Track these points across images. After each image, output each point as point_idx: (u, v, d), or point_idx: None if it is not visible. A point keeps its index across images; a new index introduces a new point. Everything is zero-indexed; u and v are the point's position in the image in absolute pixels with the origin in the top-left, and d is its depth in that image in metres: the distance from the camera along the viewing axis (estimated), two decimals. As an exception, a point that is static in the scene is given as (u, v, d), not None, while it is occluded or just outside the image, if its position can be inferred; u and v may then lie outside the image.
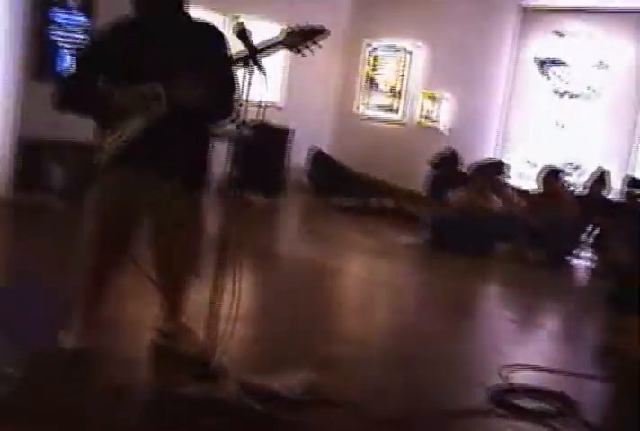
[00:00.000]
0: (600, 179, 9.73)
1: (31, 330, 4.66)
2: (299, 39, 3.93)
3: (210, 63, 4.12)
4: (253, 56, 3.84)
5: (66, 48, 9.68)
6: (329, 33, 3.98)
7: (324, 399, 4.02)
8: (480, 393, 4.33)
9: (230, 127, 4.06)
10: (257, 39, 3.93)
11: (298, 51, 3.93)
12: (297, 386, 4.06)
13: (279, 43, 3.93)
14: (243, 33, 3.87)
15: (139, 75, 4.08)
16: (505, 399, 4.30)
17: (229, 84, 4.17)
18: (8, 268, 6.28)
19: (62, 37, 9.78)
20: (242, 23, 3.96)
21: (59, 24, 9.80)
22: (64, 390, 3.87)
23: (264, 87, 3.73)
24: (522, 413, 4.17)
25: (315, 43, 4.00)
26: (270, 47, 3.92)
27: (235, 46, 4.04)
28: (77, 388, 3.93)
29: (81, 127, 4.36)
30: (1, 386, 3.76)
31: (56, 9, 9.73)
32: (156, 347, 4.53)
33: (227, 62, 4.08)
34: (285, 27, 4.01)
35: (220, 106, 4.20)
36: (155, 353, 4.51)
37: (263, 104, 3.79)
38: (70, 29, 9.80)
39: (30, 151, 9.16)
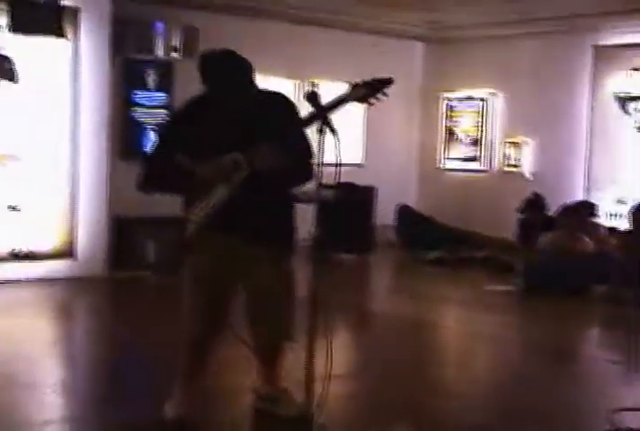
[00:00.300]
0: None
1: (134, 402, 4.77)
2: (365, 90, 3.98)
3: (284, 129, 4.22)
4: (323, 117, 3.91)
5: (149, 127, 9.99)
6: (393, 82, 4.02)
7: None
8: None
9: (313, 189, 4.09)
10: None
11: (364, 102, 3.99)
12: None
13: (345, 97, 3.99)
14: (313, 97, 3.96)
15: (218, 148, 4.20)
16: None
17: (306, 148, 4.28)
18: (111, 342, 6.44)
19: (145, 116, 10.10)
20: (312, 89, 4.06)
21: (141, 104, 10.13)
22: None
23: (338, 147, 3.78)
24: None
25: (382, 93, 4.03)
26: (337, 103, 3.98)
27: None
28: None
29: (170, 203, 4.49)
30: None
31: (136, 90, 10.08)
32: (256, 411, 4.57)
33: (300, 127, 4.18)
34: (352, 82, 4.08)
35: (300, 170, 4.29)
36: (255, 417, 4.55)
37: (341, 164, 3.82)
38: (152, 107, 10.13)
39: (122, 228, 9.44)
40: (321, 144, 3.92)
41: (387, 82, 4.01)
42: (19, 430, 4.26)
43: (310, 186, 4.06)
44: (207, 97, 4.35)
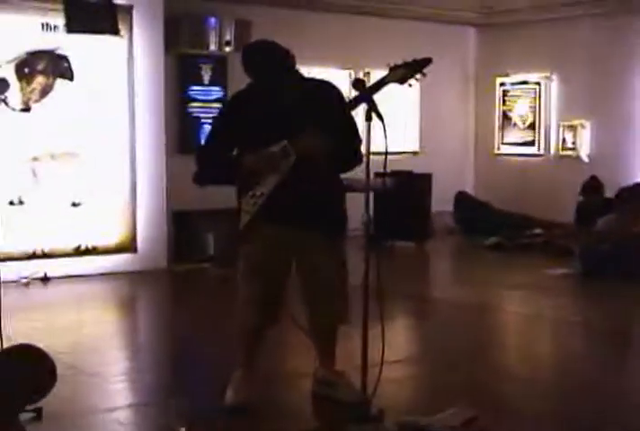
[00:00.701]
0: None
1: (197, 389, 4.89)
2: (404, 71, 4.01)
3: (331, 116, 4.28)
4: (367, 100, 3.95)
5: (205, 121, 10.10)
6: (432, 62, 4.04)
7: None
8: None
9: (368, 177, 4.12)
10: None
11: (402, 82, 4.02)
12: (455, 421, 4.10)
13: (385, 79, 4.03)
14: (359, 84, 4.02)
15: (268, 137, 4.28)
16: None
17: (353, 134, 4.33)
18: (174, 333, 6.57)
19: (200, 110, 10.23)
20: (358, 77, 4.11)
21: (197, 99, 10.26)
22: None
23: (385, 132, 3.81)
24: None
25: (421, 73, 4.06)
26: (377, 85, 4.03)
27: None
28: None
29: (229, 195, 4.58)
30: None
31: (192, 85, 10.21)
32: (315, 396, 4.65)
33: (346, 112, 4.24)
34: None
35: (348, 155, 4.35)
36: (314, 401, 4.63)
37: (387, 152, 3.85)
38: (207, 102, 10.24)
39: (182, 221, 9.58)
40: (369, 130, 3.97)
41: (426, 62, 4.04)
42: (84, 417, 4.39)
43: (363, 174, 4.08)
44: (253, 88, 4.41)
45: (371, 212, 4.21)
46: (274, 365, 5.29)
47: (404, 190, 10.63)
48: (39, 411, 4.27)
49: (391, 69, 4.04)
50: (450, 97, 12.81)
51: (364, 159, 4.09)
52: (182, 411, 4.07)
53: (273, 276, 4.46)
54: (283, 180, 4.30)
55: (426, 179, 11.20)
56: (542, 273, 9.00)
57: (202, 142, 4.70)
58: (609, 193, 9.98)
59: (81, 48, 8.72)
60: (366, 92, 3.97)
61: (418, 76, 4.06)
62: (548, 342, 6.63)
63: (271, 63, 4.27)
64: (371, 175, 4.11)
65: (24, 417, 4.13)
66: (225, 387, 4.53)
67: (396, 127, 11.47)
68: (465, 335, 6.55)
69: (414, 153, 12.31)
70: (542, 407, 4.62)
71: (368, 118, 3.93)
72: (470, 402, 4.37)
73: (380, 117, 3.90)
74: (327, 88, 4.48)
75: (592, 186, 10.69)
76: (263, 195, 4.34)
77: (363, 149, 4.13)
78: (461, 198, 12.64)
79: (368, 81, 11.35)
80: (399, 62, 4.06)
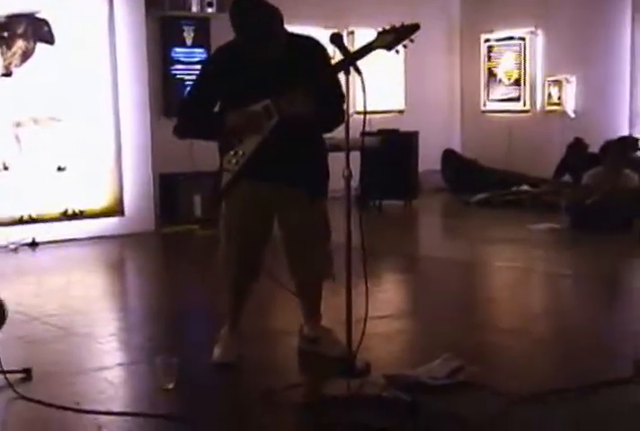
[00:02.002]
0: None
1: (185, 348, 4.93)
2: (392, 36, 3.98)
3: (316, 74, 4.26)
4: (349, 60, 3.95)
5: (189, 83, 10.05)
6: (420, 28, 4.01)
7: (465, 383, 4.10)
8: (628, 364, 4.31)
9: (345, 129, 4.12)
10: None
11: (390, 49, 3.99)
12: (441, 372, 4.15)
13: (372, 44, 4.01)
14: (337, 39, 3.99)
15: (251, 95, 4.27)
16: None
17: (337, 92, 4.31)
18: (162, 294, 6.61)
19: (184, 72, 10.17)
20: (336, 31, 4.09)
21: (179, 61, 10.20)
22: (221, 397, 4.11)
23: (363, 90, 3.80)
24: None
25: (409, 39, 4.02)
26: (363, 50, 4.01)
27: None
28: (233, 395, 4.17)
29: (214, 157, 4.57)
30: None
31: (174, 47, 10.15)
32: (301, 352, 4.69)
33: (331, 71, 4.23)
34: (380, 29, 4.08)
35: (331, 114, 4.33)
36: (300, 357, 4.68)
37: (366, 112, 3.83)
38: (190, 64, 10.19)
39: (168, 184, 9.59)
40: (348, 86, 3.95)
41: (414, 28, 3.99)
42: (74, 377, 4.42)
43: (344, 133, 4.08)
44: (237, 45, 4.38)
45: (358, 171, 4.20)
46: (261, 322, 5.34)
47: (391, 149, 10.63)
48: (28, 372, 4.31)
49: (379, 34, 3.99)
50: (435, 54, 12.76)
51: (345, 114, 4.08)
52: (170, 369, 4.11)
53: (254, 233, 4.48)
54: (265, 139, 4.30)
55: (413, 137, 11.19)
56: (530, 228, 9.05)
57: (185, 95, 4.70)
58: (595, 148, 10.01)
59: (61, 12, 8.64)
60: (348, 53, 3.95)
61: (405, 43, 4.02)
62: (536, 295, 6.68)
63: (262, 20, 4.22)
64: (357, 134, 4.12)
65: (14, 377, 4.17)
66: (212, 345, 4.58)
67: (382, 85, 11.46)
68: (453, 290, 6.61)
69: (400, 111, 12.29)
70: (529, 359, 4.68)
71: (347, 72, 3.92)
72: (457, 354, 4.40)
73: (359, 73, 3.89)
74: (313, 45, 4.44)
75: (577, 147, 10.75)
76: (245, 154, 4.34)
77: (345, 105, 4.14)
78: (448, 156, 12.66)
79: (352, 41, 11.38)
80: (387, 27, 4.02)
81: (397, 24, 4.00)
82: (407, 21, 4.04)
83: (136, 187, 9.14)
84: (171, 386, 4.11)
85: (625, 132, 10.89)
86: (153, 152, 9.24)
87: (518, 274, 7.15)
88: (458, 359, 4.32)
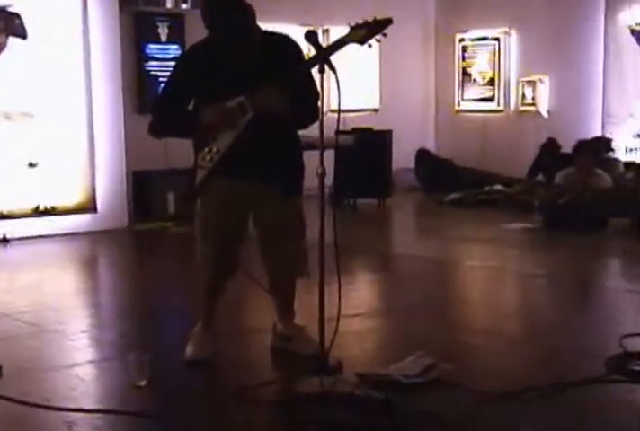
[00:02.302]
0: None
1: (157, 345, 4.91)
2: (364, 31, 3.98)
3: (290, 70, 4.25)
4: (324, 59, 3.95)
5: (163, 80, 10.01)
6: (392, 22, 4.01)
7: (438, 380, 4.11)
8: (600, 363, 4.34)
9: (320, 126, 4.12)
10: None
11: (363, 43, 3.99)
12: (414, 369, 4.15)
13: (344, 39, 4.00)
14: (311, 37, 3.99)
15: (225, 92, 4.26)
16: (624, 365, 4.30)
17: (311, 89, 4.30)
18: (135, 291, 6.57)
19: (158, 69, 10.13)
20: (310, 29, 4.09)
21: (154, 57, 10.16)
22: (194, 394, 4.10)
23: (337, 87, 3.81)
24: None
25: (382, 34, 4.02)
26: (336, 44, 4.00)
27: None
28: (206, 392, 4.16)
29: (188, 154, 4.55)
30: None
31: (148, 43, 10.11)
32: (274, 350, 4.69)
33: (305, 66, 4.22)
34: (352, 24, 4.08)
35: (305, 111, 4.32)
36: (273, 355, 4.67)
37: (340, 110, 3.84)
38: (165, 60, 10.15)
39: (142, 181, 9.55)
40: (322, 85, 3.96)
41: (387, 22, 4.00)
42: (45, 373, 4.40)
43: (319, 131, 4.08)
44: (211, 42, 4.36)
45: (332, 169, 4.21)
46: (234, 320, 5.33)
47: (365, 148, 10.63)
48: (-1, 368, 4.29)
49: (352, 29, 3.99)
50: (410, 54, 12.79)
51: (320, 111, 4.09)
52: (142, 366, 4.09)
53: (230, 231, 4.46)
54: (240, 135, 4.28)
55: (387, 136, 11.19)
56: (503, 227, 9.09)
57: (159, 92, 4.68)
58: (568, 148, 10.07)
59: (34, 6, 8.57)
60: (322, 50, 3.95)
61: (378, 37, 4.02)
62: (509, 295, 6.71)
63: (230, 17, 4.20)
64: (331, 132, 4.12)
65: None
66: (185, 342, 4.56)
67: (356, 84, 11.45)
68: (426, 289, 6.61)
69: (375, 110, 12.31)
70: (502, 357, 4.69)
71: (321, 70, 3.93)
72: (430, 353, 4.41)
73: (333, 70, 3.90)
74: (286, 42, 4.43)
75: (550, 147, 10.83)
76: (220, 151, 4.32)
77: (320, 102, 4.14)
78: (422, 155, 12.70)
79: (327, 39, 11.37)
80: (360, 21, 4.02)
81: (370, 19, 4.01)
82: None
83: (109, 183, 9.09)
84: (143, 383, 4.09)
85: (597, 132, 10.96)
86: (126, 149, 9.19)
87: (491, 273, 7.17)
88: (431, 357, 4.33)
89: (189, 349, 4.52)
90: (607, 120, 11.16)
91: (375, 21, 3.96)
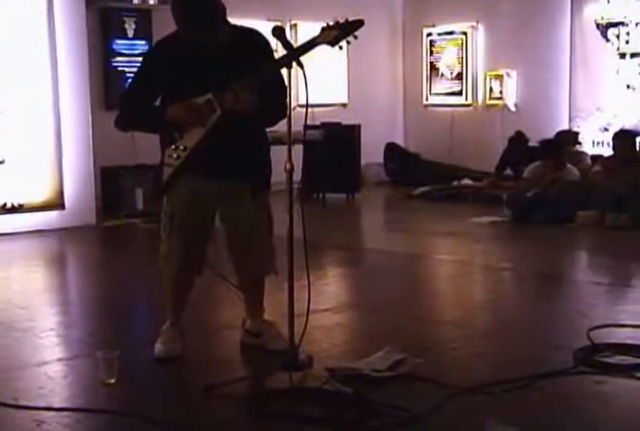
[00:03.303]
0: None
1: (126, 342, 4.89)
2: (335, 32, 3.99)
3: (259, 67, 4.23)
4: (293, 59, 3.95)
5: (130, 76, 9.96)
6: (364, 24, 4.02)
7: (407, 375, 4.13)
8: (568, 355, 4.37)
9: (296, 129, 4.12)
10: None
11: (334, 45, 4.00)
12: (383, 364, 4.17)
13: (315, 40, 4.01)
14: (279, 33, 4.00)
15: (193, 88, 4.24)
16: (591, 357, 4.34)
17: (279, 86, 4.29)
18: (104, 288, 6.54)
19: (125, 65, 10.09)
20: (279, 24, 4.09)
21: (122, 53, 10.11)
22: (163, 391, 4.08)
23: (305, 84, 3.83)
24: (608, 368, 4.22)
25: (352, 36, 4.03)
26: (307, 46, 4.01)
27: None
28: (175, 389, 4.15)
29: (156, 150, 4.53)
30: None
31: (115, 39, 10.06)
32: (244, 346, 4.69)
33: (274, 65, 4.21)
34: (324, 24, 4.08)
35: (274, 108, 4.31)
36: (243, 351, 4.67)
37: (308, 105, 3.85)
38: (132, 56, 10.11)
39: (110, 177, 9.51)
40: (290, 80, 3.97)
41: (358, 24, 4.01)
42: (13, 372, 4.36)
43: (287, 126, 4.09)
44: (179, 37, 4.34)
45: (300, 165, 4.20)
46: (203, 317, 5.31)
47: (334, 142, 10.64)
48: (-34, 367, 4.26)
49: (323, 29, 4.00)
50: (378, 48, 12.81)
51: (288, 108, 4.09)
52: (111, 363, 4.08)
53: (196, 228, 4.45)
54: (208, 133, 4.27)
55: (355, 130, 11.22)
56: (471, 221, 9.14)
57: (126, 87, 4.65)
58: (535, 141, 10.13)
59: (-1, 2, 8.52)
60: (291, 49, 3.96)
61: (349, 39, 4.03)
62: (478, 288, 6.74)
63: (199, 11, 4.17)
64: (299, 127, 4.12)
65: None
66: (154, 339, 4.55)
67: (325, 79, 11.46)
68: (395, 283, 6.63)
69: (343, 105, 12.33)
70: (471, 351, 4.71)
71: (289, 66, 3.94)
72: (399, 347, 4.43)
73: (301, 66, 3.90)
74: (256, 38, 4.42)
75: (518, 140, 10.89)
76: (187, 149, 4.31)
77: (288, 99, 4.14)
78: (391, 150, 12.74)
79: (295, 34, 11.36)
80: (331, 22, 4.02)
81: (341, 20, 4.01)
82: (350, 15, 4.06)
83: (76, 180, 9.04)
84: (112, 381, 4.08)
85: (565, 126, 11.03)
86: (94, 145, 9.13)
87: (460, 267, 7.21)
88: (400, 351, 4.35)
89: (158, 347, 4.50)
90: (574, 114, 11.24)
91: (346, 22, 3.98)
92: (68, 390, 4.24)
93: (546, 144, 9.46)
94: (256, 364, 4.50)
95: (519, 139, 10.89)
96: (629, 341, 4.65)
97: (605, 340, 4.60)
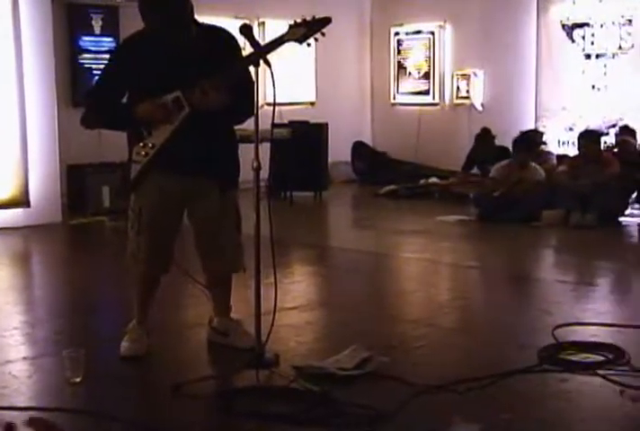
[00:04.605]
0: (628, 134, 9.75)
1: (92, 341, 4.87)
2: (303, 30, 3.99)
3: (227, 65, 4.23)
4: (261, 57, 3.95)
5: (97, 73, 9.91)
6: (331, 22, 4.03)
7: (374, 373, 4.15)
8: (533, 353, 4.41)
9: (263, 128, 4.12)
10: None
11: (302, 42, 4.01)
12: (349, 362, 4.18)
13: (283, 38, 4.02)
14: (246, 30, 4.00)
15: (161, 86, 4.23)
16: (556, 355, 4.38)
17: (247, 84, 4.28)
18: (70, 286, 6.50)
19: (92, 61, 10.03)
20: (246, 22, 4.09)
21: (88, 50, 10.05)
22: (130, 390, 4.08)
23: (273, 82, 3.84)
24: (572, 366, 4.26)
25: (320, 33, 4.03)
26: (275, 41, 4.02)
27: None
28: (142, 388, 4.14)
29: (123, 148, 4.51)
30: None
31: (82, 36, 9.99)
32: (211, 344, 4.69)
33: (241, 63, 4.21)
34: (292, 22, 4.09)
35: (242, 106, 4.30)
36: (209, 350, 4.67)
37: (275, 103, 3.85)
38: (99, 53, 10.05)
39: (76, 175, 9.45)
40: (258, 78, 3.97)
41: (325, 21, 4.01)
42: (-21, 371, 4.35)
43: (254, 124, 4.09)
44: (146, 34, 4.32)
45: (268, 163, 4.21)
46: (169, 315, 5.30)
47: (301, 140, 10.64)
48: None
49: (290, 27, 4.01)
50: (346, 47, 12.83)
51: (255, 106, 4.09)
52: (77, 362, 4.06)
53: (164, 226, 4.44)
54: (176, 131, 4.26)
55: (323, 129, 11.22)
56: (438, 220, 9.18)
57: (93, 84, 4.63)
58: (502, 140, 10.19)
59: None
60: (258, 46, 3.96)
61: (317, 36, 4.03)
62: (445, 287, 6.77)
63: (166, 8, 4.15)
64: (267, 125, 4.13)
65: None
66: (120, 338, 4.54)
67: (293, 77, 11.46)
68: (362, 281, 6.65)
69: (311, 103, 12.34)
70: (437, 349, 4.74)
71: (256, 64, 3.94)
72: (366, 345, 4.44)
73: (269, 65, 3.91)
74: (224, 36, 4.41)
75: (484, 137, 10.95)
76: (155, 146, 4.30)
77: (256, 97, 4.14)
78: (358, 148, 12.77)
79: (263, 32, 11.35)
80: (298, 20, 4.03)
81: (309, 18, 4.02)
82: (318, 13, 4.06)
83: (42, 178, 8.96)
84: (78, 380, 4.06)
85: (531, 126, 11.11)
86: (60, 142, 9.07)
87: (426, 265, 7.23)
88: (367, 350, 4.36)
89: (124, 345, 4.49)
90: (540, 113, 11.31)
91: (314, 20, 3.99)
92: (33, 389, 4.21)
93: (513, 142, 9.47)
94: (223, 362, 4.51)
95: (485, 136, 10.95)
96: (593, 339, 4.69)
97: (569, 338, 4.65)
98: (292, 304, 5.54)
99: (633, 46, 10.42)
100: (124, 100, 4.40)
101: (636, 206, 9.22)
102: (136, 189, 4.44)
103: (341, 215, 10.78)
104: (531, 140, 9.84)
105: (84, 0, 9.92)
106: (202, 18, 4.45)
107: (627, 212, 9.13)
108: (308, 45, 4.07)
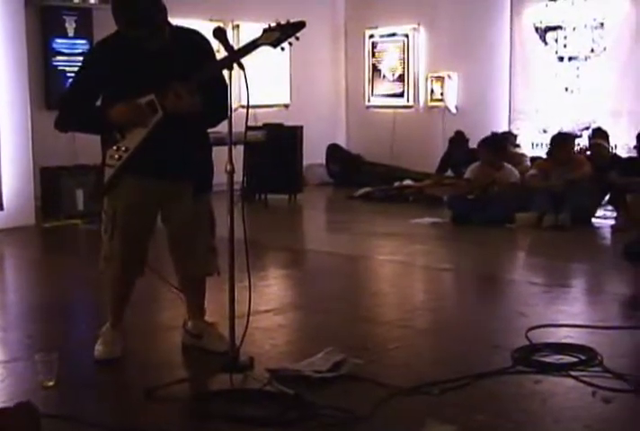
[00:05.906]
0: (601, 137, 9.81)
1: (66, 344, 4.84)
2: (277, 34, 4.00)
3: (200, 69, 4.23)
4: (231, 55, 3.96)
5: (71, 75, 9.86)
6: (305, 26, 4.04)
7: (348, 375, 4.15)
8: (507, 355, 4.43)
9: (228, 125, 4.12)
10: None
11: (275, 46, 4.01)
12: (324, 365, 4.19)
13: (257, 42, 4.02)
14: (219, 34, 4.00)
15: (134, 88, 4.22)
16: (530, 357, 4.40)
17: (221, 87, 4.28)
18: (44, 289, 6.47)
19: (66, 64, 9.99)
20: (220, 26, 4.09)
21: (62, 53, 10.01)
22: (103, 394, 4.06)
23: (246, 85, 3.84)
24: (545, 367, 4.29)
25: (294, 37, 4.04)
26: (249, 47, 4.02)
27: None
28: (115, 391, 4.12)
29: (97, 151, 4.49)
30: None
31: (55, 38, 9.95)
32: (185, 347, 4.68)
33: (215, 67, 4.21)
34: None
35: (216, 109, 4.29)
36: (184, 353, 4.66)
37: (249, 105, 3.86)
38: (72, 55, 10.00)
39: (50, 178, 9.40)
40: (231, 81, 3.98)
41: (300, 25, 4.02)
42: (-51, 376, 4.32)
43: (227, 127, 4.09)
44: (119, 37, 4.31)
45: (242, 166, 4.22)
46: (143, 318, 5.28)
47: (276, 143, 10.64)
48: None
49: (264, 31, 4.01)
50: (321, 49, 12.83)
51: (229, 109, 4.09)
52: (50, 365, 4.04)
53: (138, 229, 4.43)
54: (149, 134, 4.25)
55: (297, 131, 11.21)
56: (412, 222, 9.20)
57: (67, 87, 4.61)
58: (474, 143, 10.23)
59: None
60: (232, 50, 3.96)
61: (291, 40, 4.04)
62: (418, 289, 6.78)
63: (139, 11, 4.14)
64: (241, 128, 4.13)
65: None
66: (94, 341, 4.52)
67: (267, 80, 11.45)
68: (336, 284, 6.65)
69: (285, 105, 12.34)
70: (411, 351, 4.75)
71: (230, 67, 3.95)
72: (340, 348, 4.45)
73: (242, 68, 3.91)
74: (197, 39, 4.41)
75: (458, 140, 11.00)
76: (128, 150, 4.29)
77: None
78: (333, 151, 12.78)
79: (238, 35, 11.34)
80: (272, 24, 4.03)
81: (283, 21, 4.02)
82: (293, 16, 4.07)
83: (15, 180, 8.92)
84: (51, 383, 4.04)
85: (505, 128, 11.17)
86: (34, 145, 9.03)
87: (400, 268, 7.25)
88: (341, 353, 4.37)
89: (98, 348, 4.48)
90: (513, 116, 11.38)
91: (288, 24, 3.99)
92: (6, 392, 4.17)
93: (486, 144, 9.50)
94: (197, 365, 4.51)
95: (459, 139, 11.00)
96: (566, 341, 4.72)
97: (543, 340, 4.68)
98: (266, 307, 5.54)
99: (605, 49, 10.51)
100: (98, 103, 4.39)
101: (609, 207, 9.27)
102: (109, 193, 4.42)
103: (315, 217, 10.78)
104: (497, 140, 9.82)
105: (58, 2, 9.86)
106: (176, 20, 4.45)
107: (600, 213, 9.19)
108: (282, 49, 4.07)
